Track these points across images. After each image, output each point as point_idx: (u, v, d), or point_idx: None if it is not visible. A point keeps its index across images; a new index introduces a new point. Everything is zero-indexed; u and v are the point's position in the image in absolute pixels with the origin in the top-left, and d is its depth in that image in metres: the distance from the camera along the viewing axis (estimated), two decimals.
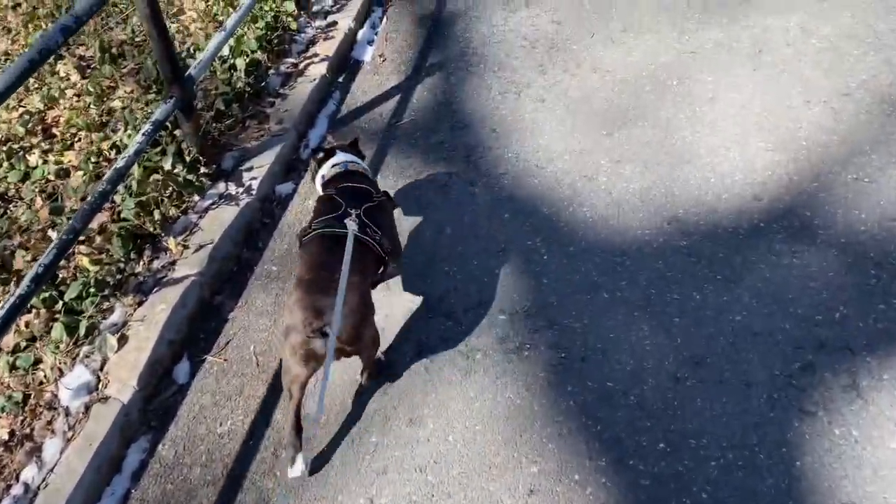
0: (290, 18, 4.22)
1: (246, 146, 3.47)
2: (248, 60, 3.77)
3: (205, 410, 2.57)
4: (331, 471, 2.35)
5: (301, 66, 4.00)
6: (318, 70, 3.95)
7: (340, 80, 4.10)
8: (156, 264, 2.93)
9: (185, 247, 2.97)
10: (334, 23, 4.34)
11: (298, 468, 2.28)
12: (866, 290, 2.64)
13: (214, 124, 3.51)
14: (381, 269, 2.50)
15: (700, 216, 3.02)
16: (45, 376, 2.57)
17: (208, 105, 3.53)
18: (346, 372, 2.59)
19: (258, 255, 3.12)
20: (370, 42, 4.39)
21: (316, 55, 4.07)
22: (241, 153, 3.44)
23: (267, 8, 4.17)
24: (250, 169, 3.33)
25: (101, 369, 2.58)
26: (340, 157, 2.77)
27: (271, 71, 3.92)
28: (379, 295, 2.73)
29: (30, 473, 2.34)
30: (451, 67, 4.06)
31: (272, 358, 2.70)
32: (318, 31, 4.28)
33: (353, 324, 2.16)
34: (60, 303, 2.73)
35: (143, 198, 3.03)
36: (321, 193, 2.68)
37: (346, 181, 2.61)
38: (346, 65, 4.23)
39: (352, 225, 2.31)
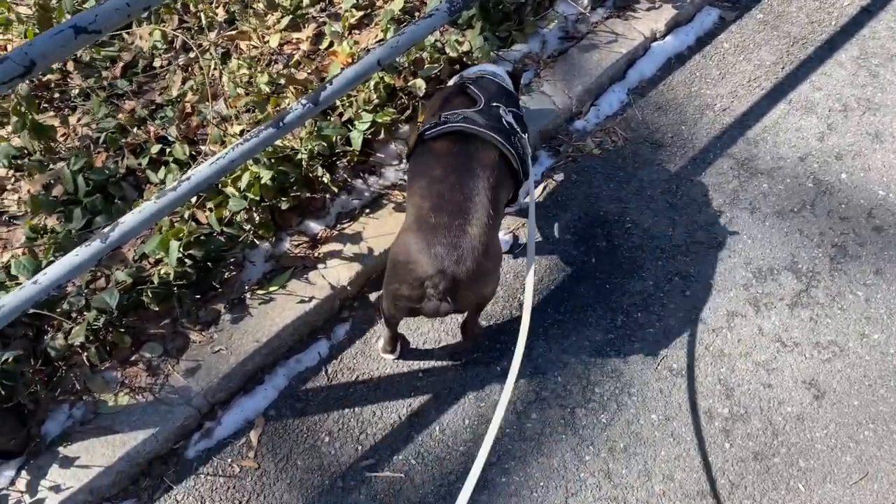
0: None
1: (98, 399, 1.89)
2: (189, 254, 1.97)
3: None
4: None
5: (328, 241, 2.21)
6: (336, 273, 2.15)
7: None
8: None
9: None
10: None
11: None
12: None
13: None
14: (512, 196, 1.96)
15: None
16: None
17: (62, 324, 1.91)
18: None
19: None
20: None
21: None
22: (69, 419, 1.87)
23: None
24: (67, 461, 1.82)
25: None
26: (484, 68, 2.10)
27: (265, 245, 2.19)
28: None
29: None
30: None
31: None
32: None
33: (484, 283, 1.73)
34: None
35: None
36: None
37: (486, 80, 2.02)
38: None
39: (505, 118, 1.82)
